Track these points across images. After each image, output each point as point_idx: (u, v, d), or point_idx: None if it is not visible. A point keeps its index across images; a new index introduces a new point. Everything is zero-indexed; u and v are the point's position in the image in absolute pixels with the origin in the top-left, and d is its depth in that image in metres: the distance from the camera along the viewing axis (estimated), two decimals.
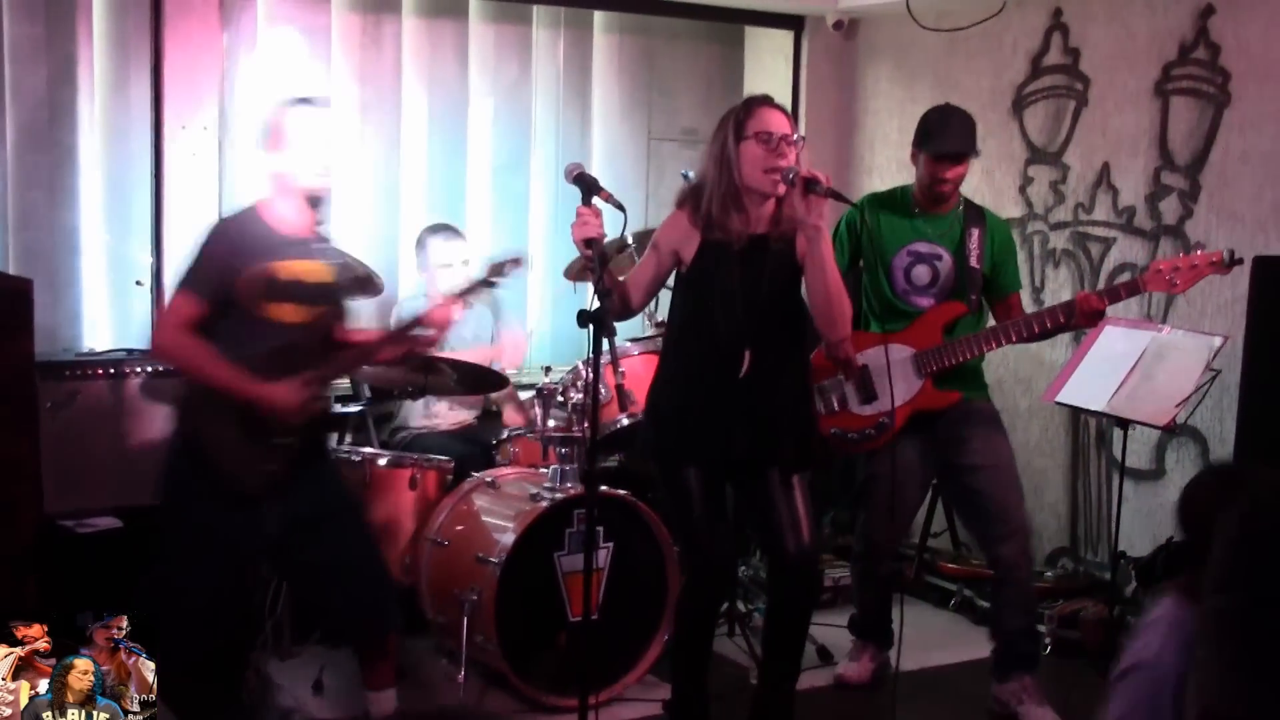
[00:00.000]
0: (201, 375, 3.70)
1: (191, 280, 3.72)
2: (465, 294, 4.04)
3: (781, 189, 3.77)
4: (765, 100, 3.89)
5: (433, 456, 4.87)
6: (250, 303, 3.69)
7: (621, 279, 4.01)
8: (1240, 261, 4.17)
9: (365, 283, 4.86)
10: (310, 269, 3.82)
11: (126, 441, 4.79)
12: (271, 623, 4.69)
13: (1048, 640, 5.13)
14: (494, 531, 4.42)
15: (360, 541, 3.97)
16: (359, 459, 4.74)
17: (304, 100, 3.88)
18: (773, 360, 3.88)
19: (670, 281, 4.05)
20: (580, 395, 4.70)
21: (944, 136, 4.49)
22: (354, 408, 5.24)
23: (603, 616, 4.36)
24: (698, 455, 3.90)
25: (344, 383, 5.33)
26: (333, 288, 3.90)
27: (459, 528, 4.56)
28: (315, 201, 3.85)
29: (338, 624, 4.12)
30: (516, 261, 4.06)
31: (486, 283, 4.04)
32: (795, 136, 3.82)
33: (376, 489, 4.69)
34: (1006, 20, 5.97)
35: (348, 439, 5.50)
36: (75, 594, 4.35)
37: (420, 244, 5.56)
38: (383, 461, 4.74)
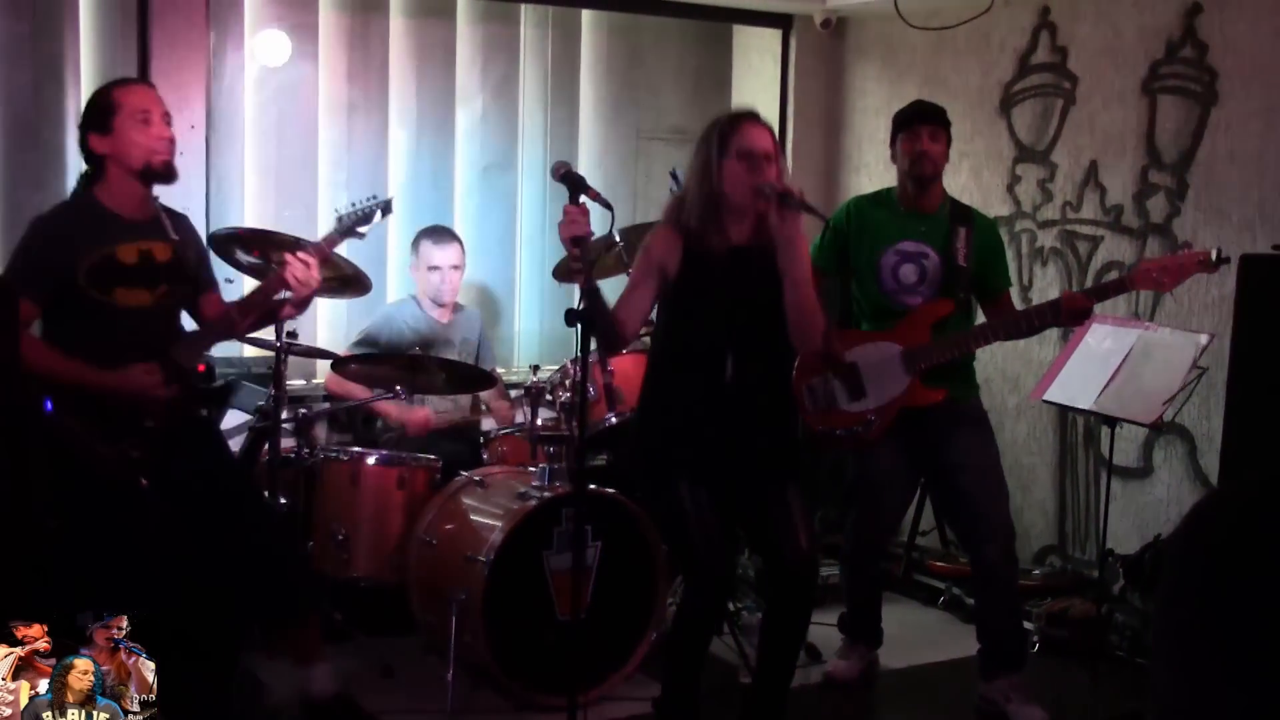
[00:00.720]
0: (46, 374, 3.63)
1: (17, 279, 3.67)
2: (326, 245, 4.03)
3: (761, 205, 3.80)
4: (750, 116, 3.91)
5: (421, 455, 4.87)
6: (91, 290, 3.68)
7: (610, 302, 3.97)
8: (1227, 260, 4.18)
9: (351, 281, 4.86)
10: (149, 248, 3.81)
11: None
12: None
13: (1035, 638, 5.14)
14: (482, 530, 4.41)
15: (256, 519, 3.97)
16: (346, 458, 4.73)
17: (126, 80, 3.90)
18: (756, 369, 3.89)
19: None
20: (568, 394, 4.70)
21: (914, 108, 4.61)
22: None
23: (591, 615, 4.36)
24: (686, 465, 3.88)
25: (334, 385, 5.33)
26: (176, 265, 3.88)
27: (447, 527, 4.56)
28: (151, 179, 3.82)
29: (248, 604, 4.07)
30: (384, 208, 4.06)
31: (350, 232, 4.05)
32: (776, 154, 3.85)
33: (364, 488, 4.69)
34: (994, 19, 5.98)
35: (334, 437, 5.50)
36: (63, 593, 4.33)
37: (414, 244, 5.56)
38: (371, 460, 4.73)
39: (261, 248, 4.48)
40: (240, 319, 3.98)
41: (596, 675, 4.44)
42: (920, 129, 4.51)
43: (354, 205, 4.08)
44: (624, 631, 4.55)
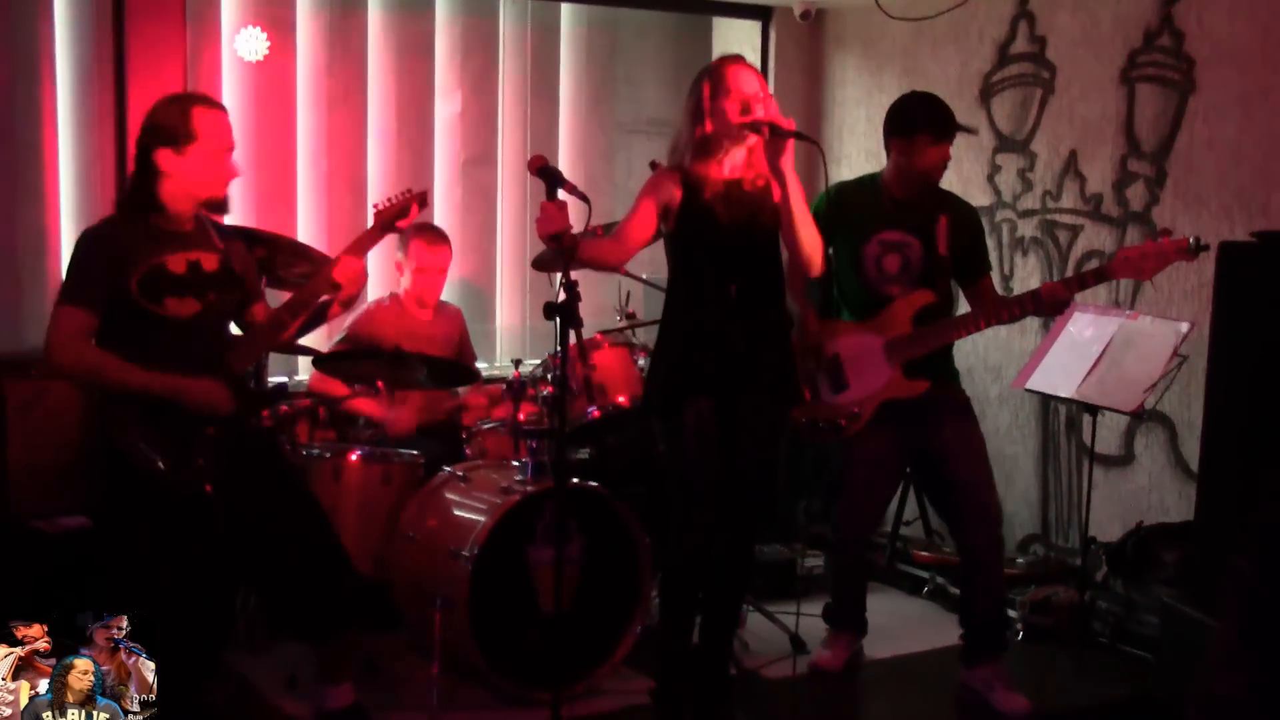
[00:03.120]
0: (115, 383, 3.65)
1: (76, 292, 3.68)
2: (364, 246, 4.00)
3: (752, 138, 3.99)
4: (736, 59, 4.14)
5: (404, 451, 4.86)
6: (142, 300, 3.67)
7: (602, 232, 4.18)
8: (1206, 248, 4.19)
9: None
10: (197, 258, 3.80)
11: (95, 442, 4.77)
12: (244, 619, 4.67)
13: (1019, 626, 5.16)
14: (465, 525, 4.40)
15: (313, 533, 3.95)
16: (330, 454, 4.73)
17: (208, 103, 3.83)
18: (758, 293, 4.07)
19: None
20: (550, 388, 4.70)
21: (941, 119, 4.52)
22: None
23: (575, 609, 4.36)
24: (696, 382, 4.03)
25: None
26: (224, 274, 3.87)
27: (430, 522, 4.55)
28: (208, 208, 3.83)
29: (292, 618, 4.07)
30: (421, 200, 4.04)
31: (389, 227, 4.03)
32: (764, 94, 4.06)
33: (348, 485, 4.68)
34: (973, 9, 5.99)
35: (317, 434, 5.48)
36: (47, 594, 4.33)
37: (403, 240, 5.50)
38: (354, 457, 4.72)
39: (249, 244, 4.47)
40: (290, 321, 3.96)
41: (581, 669, 4.44)
42: (948, 138, 4.51)
43: (390, 200, 4.06)
44: (609, 625, 4.55)
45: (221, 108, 3.85)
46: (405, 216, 4.02)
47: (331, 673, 4.05)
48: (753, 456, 4.10)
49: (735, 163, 4.07)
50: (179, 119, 3.73)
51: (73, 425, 4.75)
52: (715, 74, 4.06)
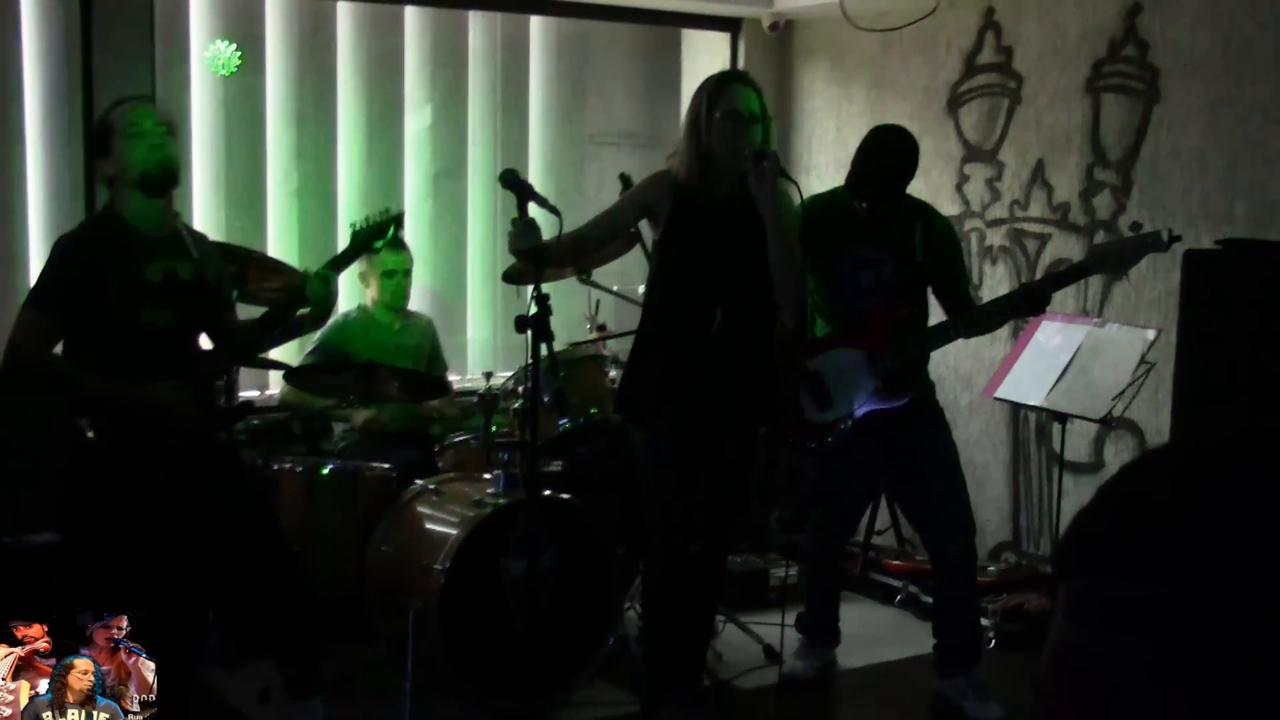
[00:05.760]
0: (74, 390, 3.66)
1: (42, 297, 3.67)
2: (340, 265, 4.03)
3: (743, 164, 3.97)
4: (738, 77, 4.17)
5: (375, 464, 4.85)
6: (118, 309, 3.67)
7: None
8: (1178, 238, 4.22)
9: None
10: (173, 268, 3.80)
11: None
12: (216, 634, 4.65)
13: (992, 634, 5.18)
14: (438, 538, 4.40)
15: (272, 548, 3.95)
16: (300, 468, 4.71)
17: (121, 100, 3.89)
18: (743, 322, 4.04)
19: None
20: (521, 400, 4.70)
21: (867, 175, 4.47)
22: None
23: (549, 621, 4.36)
24: (667, 411, 4.01)
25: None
26: (199, 284, 3.87)
27: (403, 535, 4.55)
28: (152, 188, 3.79)
29: (253, 633, 4.07)
30: (397, 221, 4.07)
31: (366, 246, 4.05)
32: (763, 115, 4.04)
33: (320, 498, 4.67)
34: (940, 19, 6.02)
35: (289, 448, 5.46)
36: (14, 611, 4.29)
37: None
38: (325, 470, 4.71)
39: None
40: (263, 335, 3.96)
41: (555, 681, 4.44)
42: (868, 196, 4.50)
43: (368, 219, 4.07)
44: (582, 637, 4.55)
45: (137, 99, 3.90)
46: (382, 236, 4.03)
47: (300, 688, 4.04)
48: (725, 471, 4.09)
49: (730, 183, 4.03)
50: (98, 126, 3.83)
51: (40, 438, 4.72)
52: (714, 88, 4.03)
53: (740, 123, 3.96)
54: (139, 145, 3.76)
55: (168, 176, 3.83)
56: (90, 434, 3.67)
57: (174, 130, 3.90)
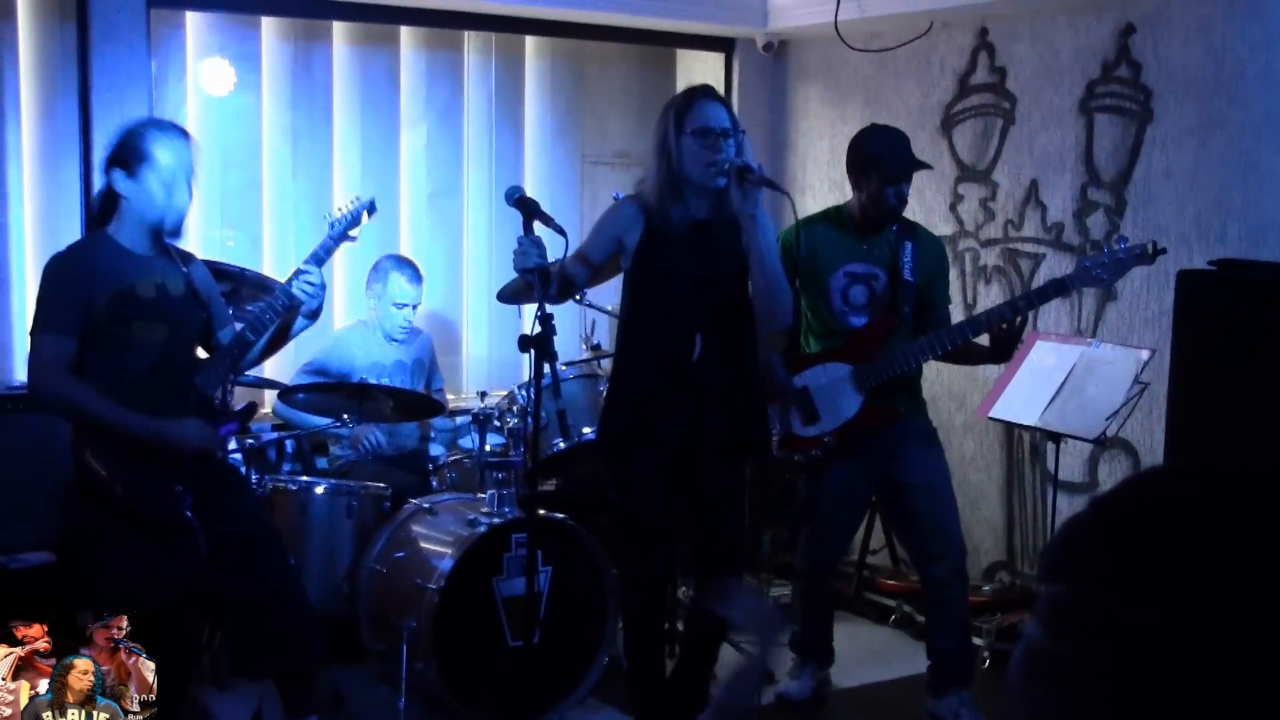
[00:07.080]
0: (98, 418, 3.64)
1: (51, 318, 3.67)
2: (320, 258, 4.03)
3: (720, 181, 3.84)
4: (704, 92, 3.96)
5: (370, 484, 4.85)
6: (112, 325, 3.66)
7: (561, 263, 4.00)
8: (1164, 251, 4.23)
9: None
10: (163, 282, 3.80)
11: (60, 476, 4.73)
12: (209, 654, 4.64)
13: (985, 654, 5.17)
14: (432, 558, 4.40)
15: (276, 568, 3.95)
16: (296, 487, 4.71)
17: (164, 127, 3.84)
18: (724, 345, 3.94)
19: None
20: (516, 420, 4.70)
21: (900, 160, 4.51)
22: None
23: (542, 640, 4.35)
24: (649, 440, 3.94)
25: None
26: (190, 297, 3.87)
27: (397, 555, 4.54)
28: (164, 235, 3.81)
29: (256, 653, 4.06)
30: (369, 208, 4.07)
31: (344, 236, 4.06)
32: (734, 129, 3.89)
33: (314, 517, 4.66)
34: (934, 40, 6.04)
35: (283, 467, 5.46)
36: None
37: (380, 272, 5.49)
38: (320, 490, 4.71)
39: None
40: (255, 341, 3.96)
41: (548, 701, 4.44)
42: (904, 179, 4.51)
43: (342, 210, 4.08)
44: (575, 656, 4.54)
45: (183, 133, 3.85)
46: (356, 224, 4.05)
47: (294, 707, 4.03)
48: (718, 514, 4.05)
49: (703, 204, 3.93)
50: (134, 140, 3.74)
51: (35, 459, 4.71)
52: (681, 107, 3.90)
53: (712, 138, 3.83)
54: (166, 193, 3.74)
55: (177, 230, 3.85)
56: (95, 463, 3.66)
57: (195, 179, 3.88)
